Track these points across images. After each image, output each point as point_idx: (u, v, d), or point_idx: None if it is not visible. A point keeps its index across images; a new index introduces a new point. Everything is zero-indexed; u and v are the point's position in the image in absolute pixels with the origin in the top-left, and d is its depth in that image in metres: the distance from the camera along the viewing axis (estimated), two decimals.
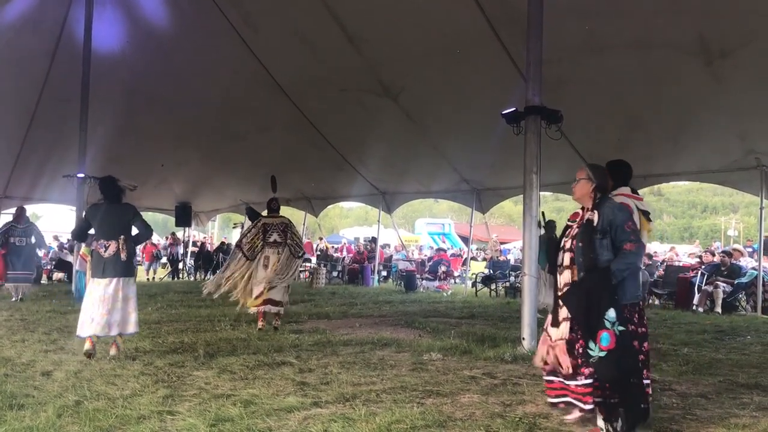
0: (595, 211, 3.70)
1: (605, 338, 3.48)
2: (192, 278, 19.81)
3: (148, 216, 12.55)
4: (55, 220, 28.59)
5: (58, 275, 16.93)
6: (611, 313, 3.50)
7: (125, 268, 5.93)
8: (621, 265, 3.54)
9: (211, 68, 12.81)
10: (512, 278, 14.79)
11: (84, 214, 6.27)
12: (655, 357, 6.33)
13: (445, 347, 6.55)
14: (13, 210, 15.49)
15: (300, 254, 8.29)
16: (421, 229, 42.59)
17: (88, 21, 12.35)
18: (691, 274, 12.37)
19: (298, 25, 10.79)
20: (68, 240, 10.80)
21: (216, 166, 16.84)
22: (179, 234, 21.25)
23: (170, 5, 11.68)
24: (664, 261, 15.86)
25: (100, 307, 5.77)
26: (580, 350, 3.57)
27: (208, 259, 19.87)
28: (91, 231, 6.18)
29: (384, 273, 19.02)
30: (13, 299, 10.75)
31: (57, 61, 12.80)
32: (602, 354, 3.48)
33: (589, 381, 3.54)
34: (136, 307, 6.03)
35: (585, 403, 3.55)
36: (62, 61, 12.74)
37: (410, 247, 26.69)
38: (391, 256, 21.38)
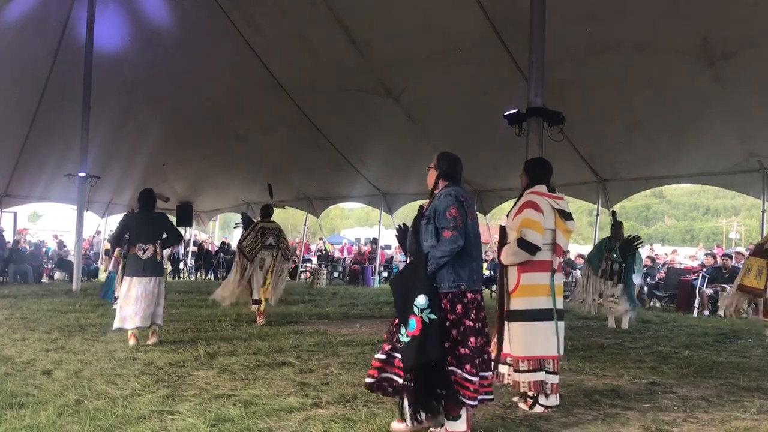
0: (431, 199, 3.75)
1: (411, 324, 3.47)
2: (192, 278, 19.80)
3: None
4: (56, 219, 28.64)
5: (58, 274, 16.97)
6: (421, 300, 3.45)
7: (160, 269, 6.87)
8: (437, 252, 3.53)
9: (213, 68, 12.83)
10: None
11: (122, 221, 7.09)
12: (655, 359, 6.36)
13: None
14: (13, 208, 15.54)
15: (289, 257, 9.08)
16: None
17: (90, 20, 12.41)
18: (693, 277, 12.35)
19: (300, 25, 10.79)
20: (109, 236, 11.39)
21: (217, 166, 16.84)
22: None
23: (172, 5, 11.70)
24: (665, 263, 15.84)
25: (142, 302, 6.58)
26: (395, 334, 3.63)
27: (208, 260, 19.89)
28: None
29: (385, 274, 18.99)
30: None
31: (59, 60, 12.84)
32: (407, 339, 3.48)
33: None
34: (162, 302, 6.85)
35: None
36: (64, 61, 12.78)
37: None
38: (392, 257, 21.32)
